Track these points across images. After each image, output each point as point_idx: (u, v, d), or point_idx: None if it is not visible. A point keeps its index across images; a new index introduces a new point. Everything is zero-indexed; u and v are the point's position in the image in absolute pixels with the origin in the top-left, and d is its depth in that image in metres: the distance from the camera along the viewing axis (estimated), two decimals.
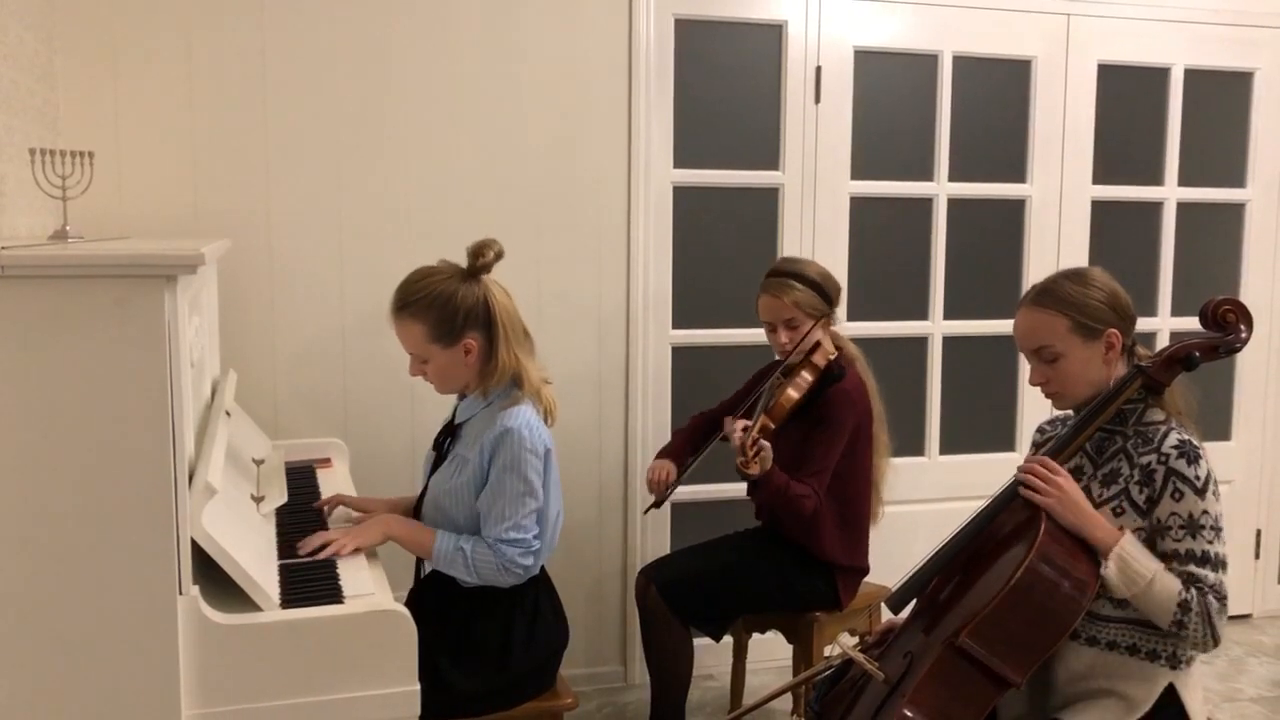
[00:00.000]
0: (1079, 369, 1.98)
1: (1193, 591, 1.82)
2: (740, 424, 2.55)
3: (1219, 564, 1.85)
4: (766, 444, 2.52)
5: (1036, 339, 2.00)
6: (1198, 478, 1.85)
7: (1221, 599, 1.83)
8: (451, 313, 2.23)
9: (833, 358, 2.72)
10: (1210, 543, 1.85)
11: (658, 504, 2.83)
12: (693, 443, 2.94)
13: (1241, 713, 3.32)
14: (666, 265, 3.38)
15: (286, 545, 2.17)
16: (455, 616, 2.25)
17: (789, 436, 2.74)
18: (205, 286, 2.37)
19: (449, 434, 2.41)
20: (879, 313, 3.59)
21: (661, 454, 2.94)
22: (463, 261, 2.31)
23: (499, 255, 2.29)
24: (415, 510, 2.42)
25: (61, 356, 1.63)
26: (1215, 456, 1.93)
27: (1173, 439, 1.89)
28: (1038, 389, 2.06)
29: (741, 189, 3.45)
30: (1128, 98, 3.77)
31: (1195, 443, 1.89)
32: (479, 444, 2.25)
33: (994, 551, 1.94)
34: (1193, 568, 1.84)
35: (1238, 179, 3.92)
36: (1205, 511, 1.85)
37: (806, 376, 2.68)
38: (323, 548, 2.12)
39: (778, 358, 2.80)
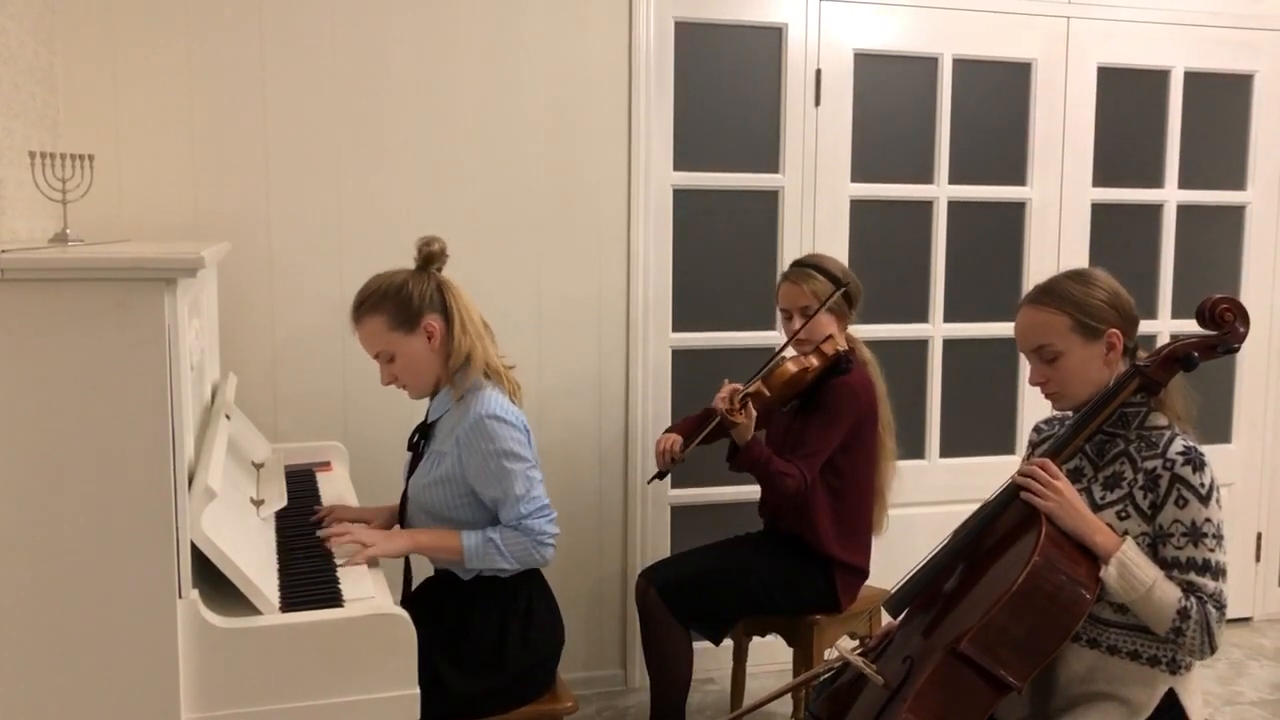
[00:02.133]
0: (1079, 368, 1.97)
1: (1192, 600, 1.81)
2: (733, 386, 2.65)
3: (1219, 572, 1.84)
4: (752, 411, 2.60)
5: (1037, 338, 2.00)
6: (1202, 485, 1.85)
7: (1220, 608, 1.82)
8: (406, 298, 2.28)
9: (841, 350, 2.74)
10: (1211, 551, 1.84)
11: (661, 474, 2.81)
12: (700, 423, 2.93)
13: (1242, 716, 3.32)
14: (666, 268, 3.38)
15: (286, 549, 2.17)
16: (449, 617, 2.25)
17: (792, 426, 2.78)
18: (205, 289, 2.37)
19: (422, 433, 2.41)
20: (879, 315, 3.58)
21: (669, 430, 2.92)
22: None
23: (443, 249, 2.35)
24: (400, 515, 2.41)
25: (61, 359, 1.63)
26: (1216, 459, 1.93)
27: (1178, 445, 1.89)
28: (1038, 391, 2.05)
29: (741, 191, 3.45)
30: (1127, 100, 3.77)
31: (1200, 449, 1.88)
32: (453, 436, 2.26)
33: (993, 555, 1.93)
34: (1193, 576, 1.83)
35: (1238, 181, 3.92)
36: (1208, 519, 1.84)
37: (811, 359, 2.72)
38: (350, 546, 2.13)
39: (791, 350, 2.82)
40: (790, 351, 2.75)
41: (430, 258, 2.33)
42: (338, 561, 2.10)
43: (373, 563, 2.14)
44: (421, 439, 2.40)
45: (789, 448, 2.72)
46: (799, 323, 2.78)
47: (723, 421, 2.62)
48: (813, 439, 2.70)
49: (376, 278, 2.34)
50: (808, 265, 2.84)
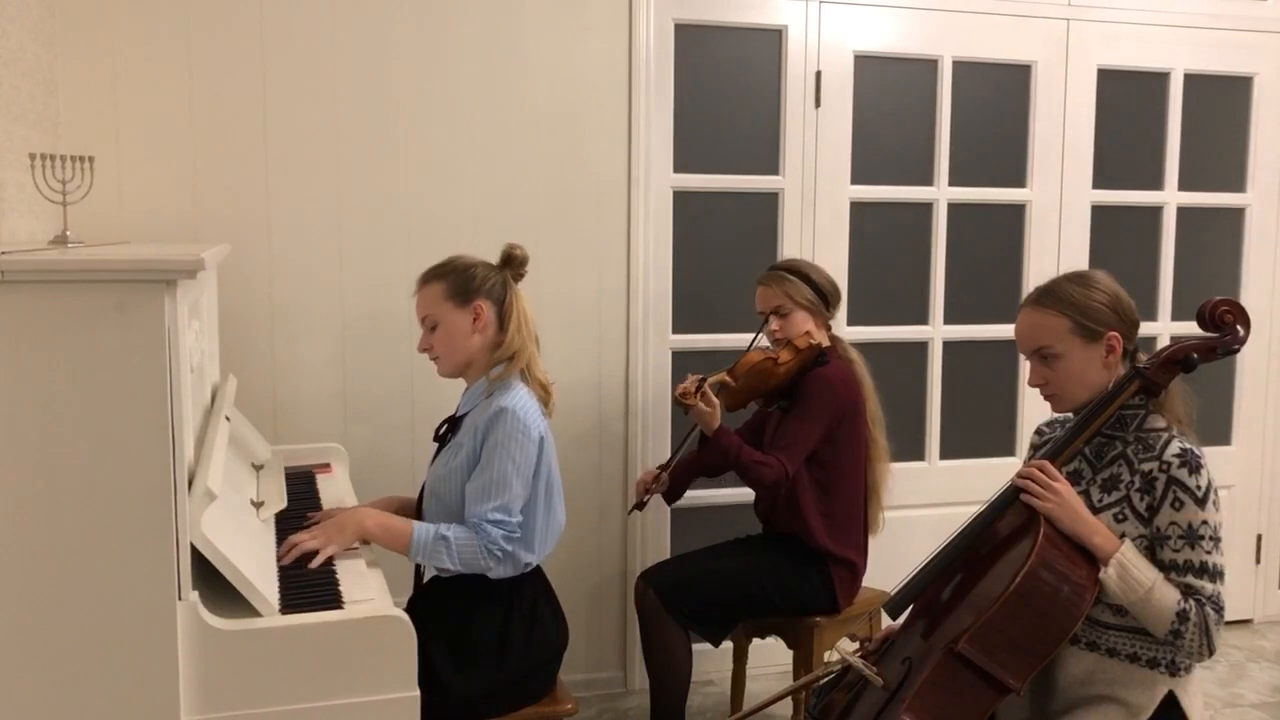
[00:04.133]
0: (1078, 371, 1.98)
1: (1191, 603, 1.81)
2: (695, 376, 2.69)
3: (1216, 574, 1.85)
4: (715, 400, 2.64)
5: (1036, 339, 2.00)
6: (1199, 487, 1.85)
7: (1219, 610, 1.83)
8: (470, 276, 2.37)
9: (815, 343, 2.77)
10: (1209, 553, 1.84)
11: (639, 505, 2.88)
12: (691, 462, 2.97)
13: (1242, 718, 3.32)
14: (666, 270, 3.38)
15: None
16: (452, 618, 2.25)
17: (778, 422, 2.81)
18: (205, 291, 2.37)
19: (450, 426, 2.43)
20: (879, 317, 3.59)
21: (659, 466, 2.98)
22: None
23: (525, 258, 2.44)
24: (417, 506, 2.43)
25: (61, 361, 1.63)
26: (1216, 461, 1.94)
27: (1175, 447, 1.89)
28: (1038, 393, 2.06)
29: (741, 194, 3.45)
30: (1127, 102, 3.77)
31: (1197, 452, 1.88)
32: (474, 428, 2.28)
33: (992, 556, 1.93)
34: (1191, 578, 1.84)
35: (1237, 184, 3.92)
36: (1205, 522, 1.85)
37: (782, 352, 2.76)
38: (307, 556, 2.07)
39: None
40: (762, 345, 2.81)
41: (509, 259, 2.42)
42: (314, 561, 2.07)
43: (370, 561, 2.12)
44: (449, 431, 2.42)
45: (771, 446, 2.74)
46: (774, 323, 2.83)
47: (681, 409, 2.65)
48: (791, 430, 2.73)
49: (455, 255, 2.43)
50: (781, 268, 2.90)
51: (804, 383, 2.77)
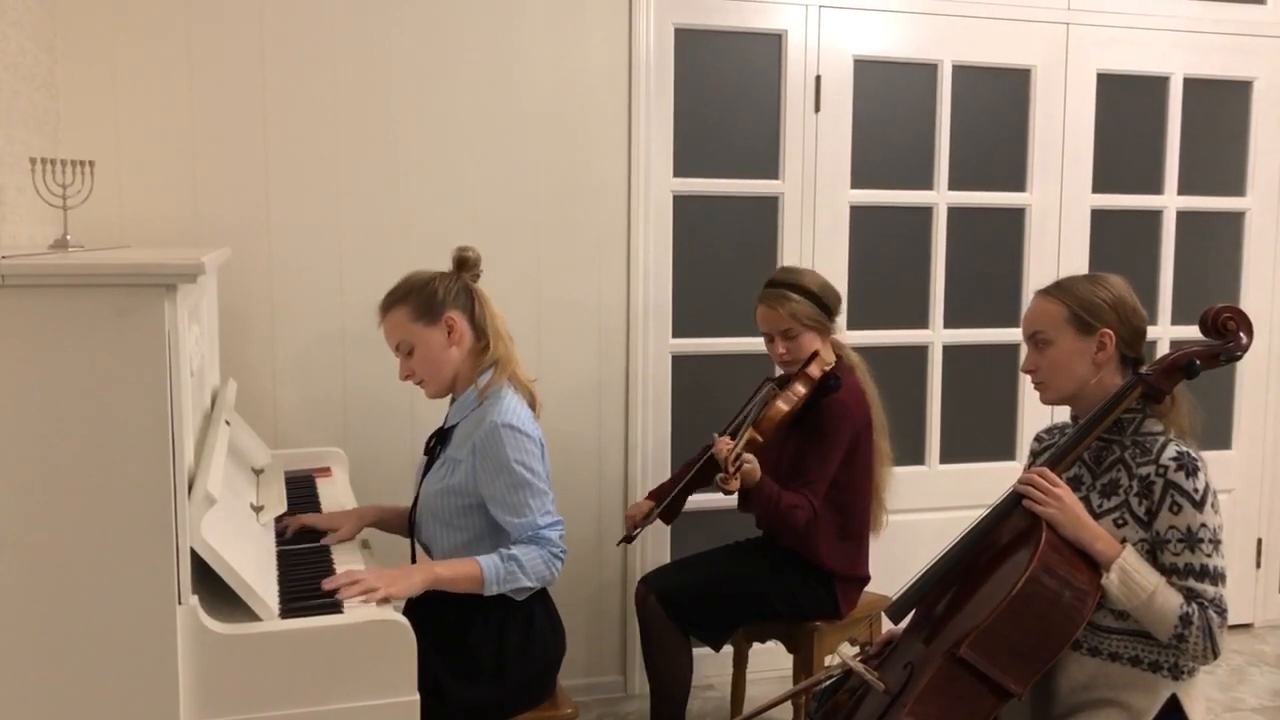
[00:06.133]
0: (1064, 360, 1.99)
1: (1194, 606, 1.81)
2: (726, 441, 2.57)
3: (1218, 577, 1.84)
4: (750, 457, 2.54)
5: (1034, 324, 2.04)
6: (1196, 490, 1.85)
7: (1222, 612, 1.82)
8: (431, 293, 2.32)
9: (828, 368, 2.69)
10: (1209, 556, 1.84)
11: (628, 538, 2.90)
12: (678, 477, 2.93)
13: None
14: (667, 274, 3.38)
15: (286, 555, 2.16)
16: (450, 626, 2.23)
17: (786, 448, 2.74)
18: (205, 295, 2.37)
19: (439, 439, 2.41)
20: (879, 321, 3.58)
21: (650, 493, 2.98)
22: None
23: (478, 258, 2.39)
24: (409, 520, 2.41)
25: (61, 365, 1.63)
26: (1216, 465, 1.93)
27: (1171, 450, 1.89)
28: (1038, 397, 2.07)
29: (741, 198, 3.45)
30: (1127, 106, 3.78)
31: (1194, 454, 1.88)
32: (469, 443, 2.25)
33: (994, 562, 1.93)
34: (1192, 582, 1.84)
35: (1237, 188, 3.93)
36: (1204, 525, 1.85)
37: (799, 389, 2.65)
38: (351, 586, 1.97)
39: (779, 369, 2.81)
40: (778, 373, 2.73)
41: (462, 263, 2.37)
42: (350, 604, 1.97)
43: (368, 562, 2.12)
44: (438, 444, 2.40)
45: (786, 473, 2.68)
46: (780, 345, 2.73)
47: (721, 489, 2.54)
48: (813, 466, 2.66)
49: (408, 274, 2.38)
50: (782, 285, 2.74)
51: (819, 411, 2.66)
